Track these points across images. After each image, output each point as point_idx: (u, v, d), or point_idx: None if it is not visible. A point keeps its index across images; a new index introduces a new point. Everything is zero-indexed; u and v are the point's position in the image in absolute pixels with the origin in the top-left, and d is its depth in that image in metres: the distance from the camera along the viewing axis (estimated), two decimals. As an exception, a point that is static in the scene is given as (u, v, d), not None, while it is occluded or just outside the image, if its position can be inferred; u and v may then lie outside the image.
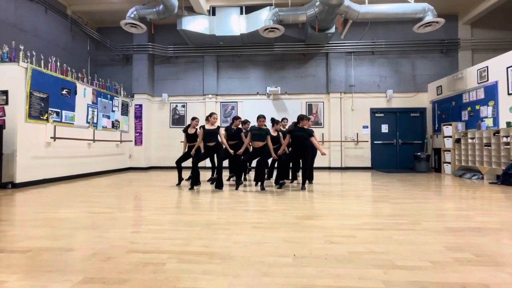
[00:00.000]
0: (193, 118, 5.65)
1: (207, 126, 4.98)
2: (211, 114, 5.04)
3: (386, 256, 1.88)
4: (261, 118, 4.95)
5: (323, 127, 8.98)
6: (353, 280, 1.55)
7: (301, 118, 4.98)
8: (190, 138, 5.52)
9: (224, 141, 4.98)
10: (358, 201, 3.84)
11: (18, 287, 1.48)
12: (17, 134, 5.01)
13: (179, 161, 5.40)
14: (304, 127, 4.97)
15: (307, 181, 5.67)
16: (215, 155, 5.17)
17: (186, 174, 6.23)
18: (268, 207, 3.43)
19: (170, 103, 9.44)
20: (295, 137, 4.93)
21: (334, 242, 2.17)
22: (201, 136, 4.95)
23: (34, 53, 5.78)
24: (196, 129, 5.62)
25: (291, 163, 5.83)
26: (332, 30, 7.84)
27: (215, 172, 5.88)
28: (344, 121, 8.90)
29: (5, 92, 5.03)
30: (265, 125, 4.99)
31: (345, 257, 1.87)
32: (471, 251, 1.97)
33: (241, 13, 8.10)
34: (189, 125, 5.64)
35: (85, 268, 1.71)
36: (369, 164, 8.86)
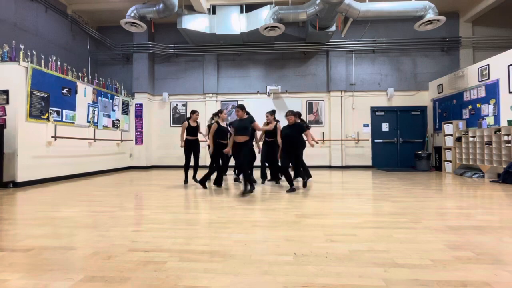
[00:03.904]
0: (194, 112, 5.51)
1: (222, 124, 4.92)
2: (221, 111, 4.95)
3: (386, 254, 1.89)
4: (237, 108, 4.43)
5: (323, 125, 8.97)
6: (354, 278, 1.55)
7: (285, 114, 4.73)
8: (191, 131, 5.47)
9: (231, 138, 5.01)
10: (358, 199, 3.84)
11: (20, 286, 1.49)
12: (18, 133, 5.02)
13: (214, 164, 5.02)
14: (296, 122, 4.70)
15: (299, 179, 5.64)
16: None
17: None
18: (268, 206, 3.44)
19: (171, 102, 9.43)
20: (284, 136, 4.70)
21: (335, 240, 2.17)
22: (213, 132, 4.83)
23: (35, 53, 5.79)
24: (197, 122, 5.57)
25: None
26: (333, 28, 7.82)
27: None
28: (345, 119, 8.88)
29: (6, 92, 5.04)
30: (246, 116, 4.54)
31: (345, 255, 1.87)
32: (472, 249, 1.97)
33: (241, 11, 8.08)
34: (189, 118, 5.51)
35: (86, 266, 1.72)
36: (369, 163, 8.85)
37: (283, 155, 4.65)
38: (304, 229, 2.47)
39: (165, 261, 1.79)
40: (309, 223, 2.66)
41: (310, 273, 1.62)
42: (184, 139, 5.43)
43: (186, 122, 5.42)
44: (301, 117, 6.32)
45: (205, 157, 9.02)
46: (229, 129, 5.06)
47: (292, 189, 4.45)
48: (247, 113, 4.64)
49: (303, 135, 4.78)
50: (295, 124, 4.66)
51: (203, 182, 4.92)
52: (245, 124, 4.35)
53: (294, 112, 4.71)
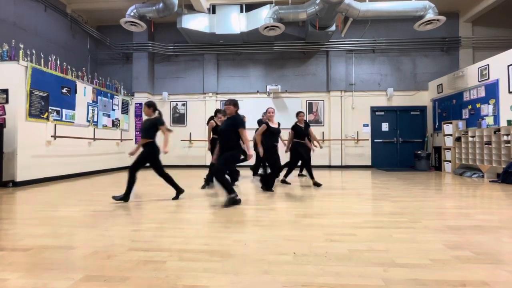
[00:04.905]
0: (219, 111, 5.15)
1: (271, 124, 4.47)
2: (267, 110, 4.50)
3: (386, 254, 1.89)
4: (144, 106, 3.80)
5: (323, 125, 8.97)
6: (353, 278, 1.55)
7: (224, 103, 3.65)
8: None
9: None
10: (358, 199, 3.84)
11: (20, 285, 1.49)
12: (17, 132, 5.01)
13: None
14: (233, 115, 3.58)
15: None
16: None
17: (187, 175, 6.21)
18: (268, 205, 3.44)
19: (170, 101, 9.43)
20: (219, 132, 3.66)
21: (334, 240, 2.17)
22: (260, 134, 4.41)
23: (34, 52, 5.77)
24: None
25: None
26: (333, 28, 7.81)
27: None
28: (345, 119, 8.89)
29: (5, 91, 5.03)
30: (153, 115, 3.83)
31: (345, 255, 1.87)
32: (471, 249, 1.97)
33: (241, 11, 8.08)
34: (212, 117, 5.18)
35: (86, 266, 1.72)
36: (369, 163, 8.85)
37: (218, 157, 3.64)
38: (303, 229, 2.47)
39: (165, 261, 1.79)
40: (308, 223, 2.66)
41: (310, 272, 1.62)
42: (210, 139, 5.04)
43: (213, 121, 5.05)
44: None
45: (204, 157, 9.03)
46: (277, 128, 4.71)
47: (231, 199, 3.41)
48: (158, 112, 3.83)
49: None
50: (232, 117, 3.57)
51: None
52: (148, 125, 3.71)
53: (234, 101, 3.59)
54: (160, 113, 3.87)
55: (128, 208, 3.33)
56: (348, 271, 1.64)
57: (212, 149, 5.02)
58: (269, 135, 4.49)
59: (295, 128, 5.16)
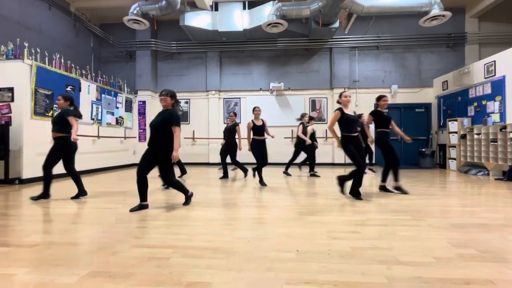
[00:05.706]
0: (254, 109, 5.08)
1: (346, 111, 3.79)
2: (341, 94, 3.88)
3: (389, 252, 1.88)
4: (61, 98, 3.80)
5: (326, 123, 8.92)
6: (356, 276, 1.55)
7: (160, 94, 3.23)
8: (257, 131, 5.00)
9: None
10: (361, 196, 3.81)
11: (27, 280, 1.52)
12: (23, 130, 5.07)
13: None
14: (168, 108, 3.18)
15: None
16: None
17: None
18: (270, 203, 3.44)
19: (174, 99, 9.44)
20: (150, 127, 3.19)
21: (337, 237, 2.17)
22: (334, 121, 3.77)
23: (39, 50, 5.81)
24: (262, 120, 5.02)
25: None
26: (336, 24, 7.75)
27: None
28: (348, 117, 8.82)
29: (11, 89, 5.08)
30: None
31: (348, 252, 1.87)
32: (476, 247, 1.95)
33: (244, 8, 8.04)
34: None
35: (91, 262, 1.74)
36: (373, 160, 8.79)
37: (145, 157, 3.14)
38: (306, 226, 2.47)
39: (169, 257, 1.80)
40: (311, 220, 2.66)
41: (313, 270, 1.62)
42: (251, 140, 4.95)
43: (251, 122, 5.01)
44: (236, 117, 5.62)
45: (207, 155, 9.03)
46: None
47: (189, 198, 3.35)
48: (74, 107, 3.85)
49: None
50: (167, 111, 3.16)
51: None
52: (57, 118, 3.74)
53: (171, 92, 3.19)
54: (76, 108, 3.88)
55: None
56: (351, 268, 1.63)
57: (252, 149, 4.98)
58: (344, 124, 3.72)
59: (376, 114, 4.09)
